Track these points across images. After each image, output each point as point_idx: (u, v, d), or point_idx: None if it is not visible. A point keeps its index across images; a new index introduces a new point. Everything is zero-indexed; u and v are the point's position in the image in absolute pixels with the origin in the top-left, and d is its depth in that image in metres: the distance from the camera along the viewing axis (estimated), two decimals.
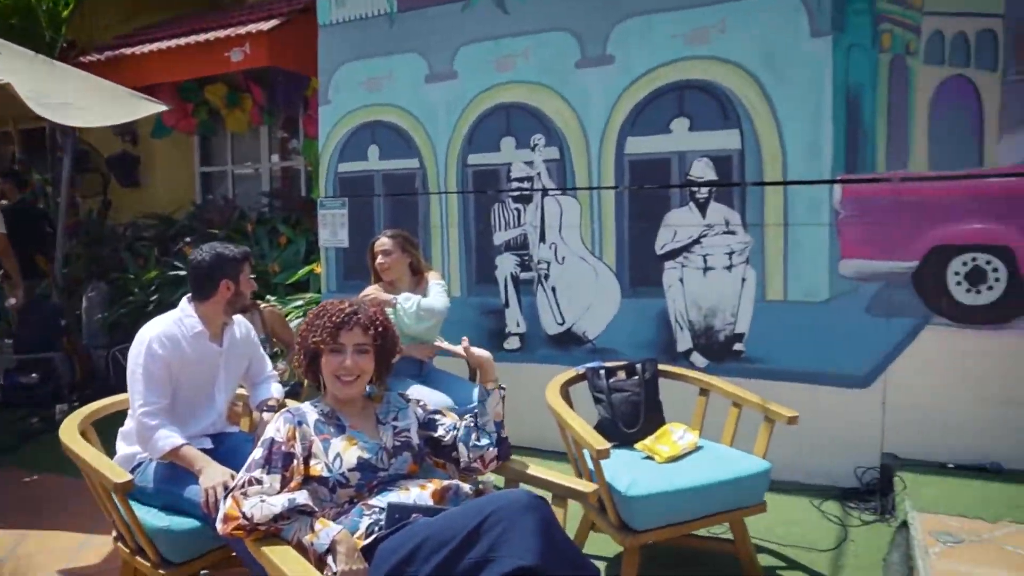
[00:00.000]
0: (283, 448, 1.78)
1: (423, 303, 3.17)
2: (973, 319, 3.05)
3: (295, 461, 1.79)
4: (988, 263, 3.02)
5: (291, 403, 2.24)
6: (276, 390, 2.55)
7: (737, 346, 3.47)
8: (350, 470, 1.81)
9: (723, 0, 3.39)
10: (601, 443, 2.22)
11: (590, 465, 2.35)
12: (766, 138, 3.36)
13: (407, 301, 3.17)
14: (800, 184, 3.29)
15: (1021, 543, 2.45)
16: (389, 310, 3.16)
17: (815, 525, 2.98)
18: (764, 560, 2.69)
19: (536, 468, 2.09)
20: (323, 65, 4.45)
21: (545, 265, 3.90)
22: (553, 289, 3.90)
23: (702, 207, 3.51)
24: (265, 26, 5.32)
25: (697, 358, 3.56)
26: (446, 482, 1.86)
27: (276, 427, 1.84)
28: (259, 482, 1.72)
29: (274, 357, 3.89)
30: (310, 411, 1.91)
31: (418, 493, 1.80)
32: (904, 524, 2.74)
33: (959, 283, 3.07)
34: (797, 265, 3.32)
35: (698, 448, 2.60)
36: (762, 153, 3.37)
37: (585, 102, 3.76)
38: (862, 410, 3.25)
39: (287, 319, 4.23)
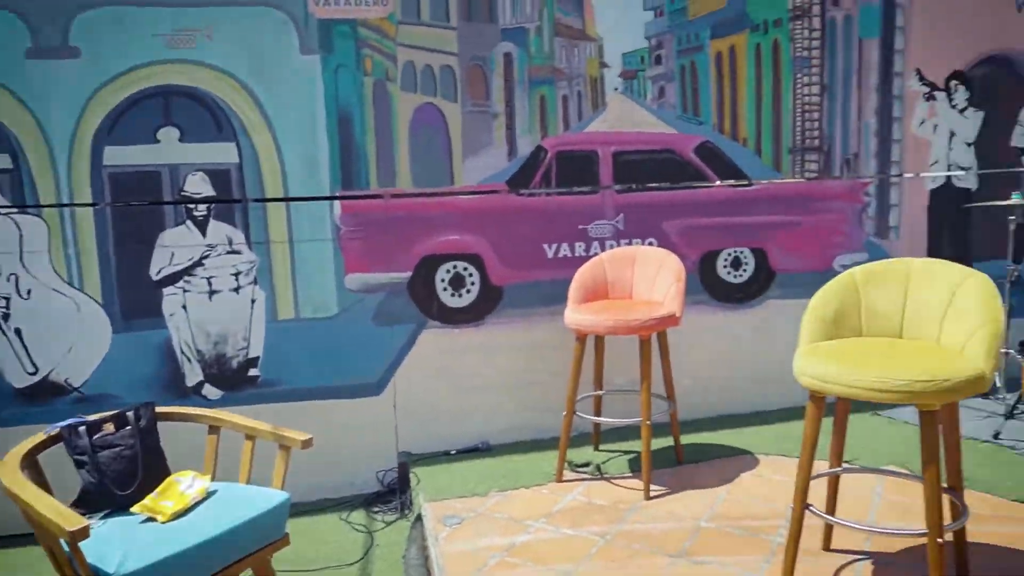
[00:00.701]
0: None
1: None
2: (457, 319, 3.48)
3: None
4: (465, 270, 3.47)
5: None
6: None
7: (252, 371, 3.30)
8: None
9: (208, 3, 3.16)
10: (74, 522, 1.80)
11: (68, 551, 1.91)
12: (264, 153, 3.26)
13: None
14: (301, 200, 3.28)
15: (504, 508, 2.86)
16: None
17: (344, 539, 3.01)
18: None
19: None
20: None
21: (3, 302, 3.11)
22: (18, 331, 3.13)
23: (201, 225, 3.23)
24: None
25: (210, 390, 3.28)
26: None
27: None
28: None
29: None
30: None
31: None
32: (419, 517, 2.95)
33: (445, 288, 3.46)
34: (306, 282, 3.32)
35: (211, 494, 2.35)
36: (261, 168, 3.26)
37: (44, 101, 3.10)
38: (378, 416, 3.42)
39: None
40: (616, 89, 3.56)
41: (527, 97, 3.46)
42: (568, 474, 3.13)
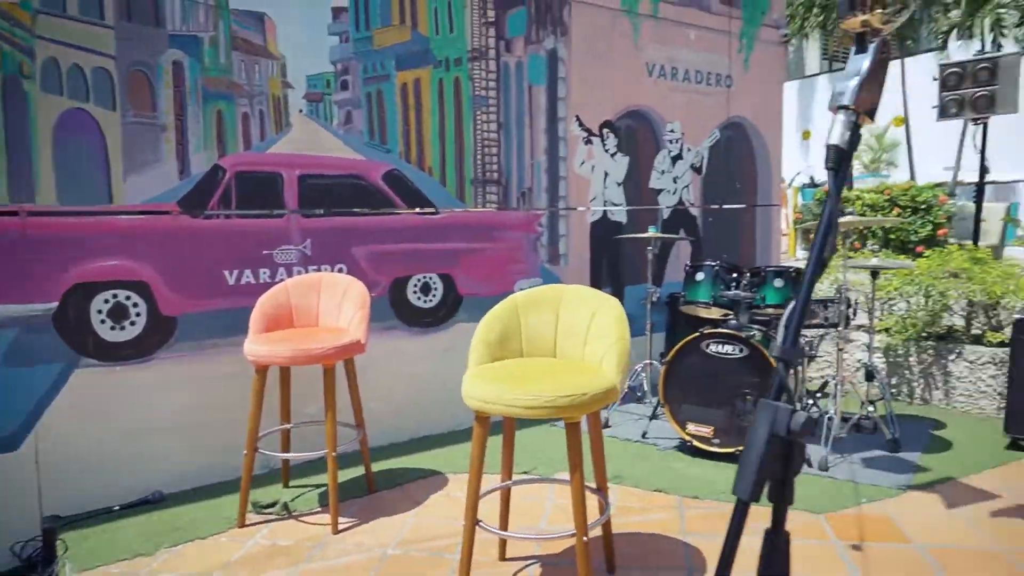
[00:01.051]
0: None
1: None
2: (119, 355, 3.05)
3: None
4: (128, 299, 3.07)
5: None
6: None
7: None
8: None
9: None
10: None
11: None
12: None
13: None
14: None
15: (174, 566, 2.56)
16: None
17: None
18: None
19: None
20: None
21: None
22: None
23: None
24: None
25: None
26: None
27: None
28: None
29: None
30: None
31: None
32: None
33: (103, 321, 3.02)
34: None
35: None
36: None
37: None
38: (13, 476, 2.84)
39: None
40: (301, 111, 3.46)
41: (202, 112, 3.19)
42: (253, 517, 2.92)
